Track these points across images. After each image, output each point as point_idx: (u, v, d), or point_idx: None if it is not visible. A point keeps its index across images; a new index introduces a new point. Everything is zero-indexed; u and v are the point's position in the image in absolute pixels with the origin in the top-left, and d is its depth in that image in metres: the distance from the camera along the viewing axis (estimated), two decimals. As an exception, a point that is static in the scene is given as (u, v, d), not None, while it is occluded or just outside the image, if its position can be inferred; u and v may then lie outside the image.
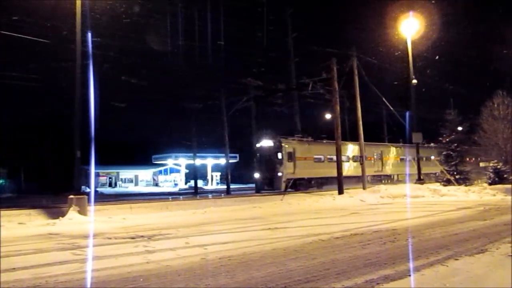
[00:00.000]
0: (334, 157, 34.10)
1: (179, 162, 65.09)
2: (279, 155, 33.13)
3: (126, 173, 69.15)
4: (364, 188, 26.85)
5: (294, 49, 45.29)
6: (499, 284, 5.76)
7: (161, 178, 70.20)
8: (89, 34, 16.92)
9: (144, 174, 70.77)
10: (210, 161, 64.74)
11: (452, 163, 28.86)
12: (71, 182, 16.43)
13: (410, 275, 6.01)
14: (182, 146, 55.61)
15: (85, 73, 16.09)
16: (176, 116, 41.50)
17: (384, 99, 29.56)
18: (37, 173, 48.55)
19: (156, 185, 67.93)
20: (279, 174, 32.50)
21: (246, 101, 37.92)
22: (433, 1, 30.83)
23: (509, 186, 23.26)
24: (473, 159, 36.90)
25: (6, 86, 31.15)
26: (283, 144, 33.34)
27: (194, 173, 47.25)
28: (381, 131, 54.09)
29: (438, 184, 28.26)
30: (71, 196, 15.24)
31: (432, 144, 41.93)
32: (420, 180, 27.53)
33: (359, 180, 34.24)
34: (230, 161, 46.50)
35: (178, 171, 67.97)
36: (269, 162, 33.35)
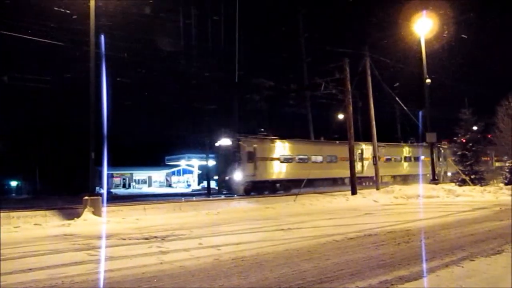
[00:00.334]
0: (307, 157, 34.09)
1: (192, 163, 65.31)
2: (237, 155, 30.29)
3: (140, 174, 69.60)
4: (377, 188, 26.68)
5: (306, 49, 45.25)
6: (516, 285, 5.68)
7: (174, 179, 70.53)
8: (102, 37, 17.06)
9: (158, 175, 71.16)
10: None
11: (467, 163, 28.56)
12: (86, 183, 16.57)
13: (424, 276, 5.96)
14: (195, 147, 55.82)
15: (98, 75, 16.24)
16: (189, 117, 41.60)
17: (397, 98, 29.37)
18: (52, 174, 49.02)
19: (169, 186, 68.25)
20: (237, 176, 29.87)
21: (259, 102, 37.95)
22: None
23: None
24: (489, 158, 36.49)
25: (21, 88, 31.57)
26: (241, 143, 30.48)
27: (207, 174, 47.37)
28: (395, 131, 53.73)
29: (453, 184, 27.98)
30: (86, 197, 15.38)
31: (424, 143, 41.53)
32: (434, 180, 27.27)
33: (339, 182, 34.18)
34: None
35: (191, 172, 68.21)
36: (227, 163, 30.75)
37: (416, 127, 30.72)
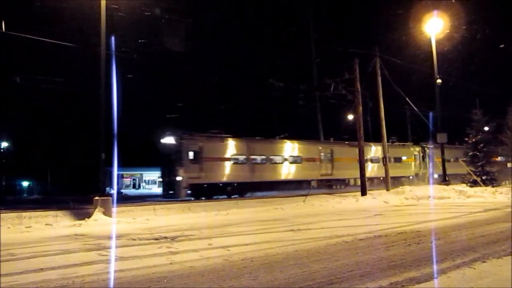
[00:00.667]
0: (266, 157, 31.19)
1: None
2: (180, 155, 27.24)
3: (150, 174, 69.74)
4: (387, 189, 26.54)
5: (316, 49, 45.21)
6: (528, 287, 5.62)
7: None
8: (113, 38, 17.17)
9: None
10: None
11: (479, 163, 28.32)
12: (96, 183, 16.68)
13: (435, 278, 5.92)
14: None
15: (108, 76, 16.35)
16: (198, 117, 41.76)
17: (407, 99, 29.18)
18: (63, 175, 49.40)
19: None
20: (179, 178, 26.60)
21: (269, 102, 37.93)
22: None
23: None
24: (500, 159, 36.15)
25: (33, 88, 31.82)
26: (184, 141, 27.40)
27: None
28: (405, 131, 53.41)
29: (464, 185, 27.77)
30: (96, 198, 15.48)
31: (407, 143, 40.56)
32: (445, 181, 27.08)
33: (304, 185, 32.00)
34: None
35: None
36: (170, 164, 27.70)
37: (426, 128, 30.52)
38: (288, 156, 32.68)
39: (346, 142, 36.25)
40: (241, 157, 30.15)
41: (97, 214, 14.91)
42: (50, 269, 6.97)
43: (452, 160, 40.35)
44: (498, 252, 7.52)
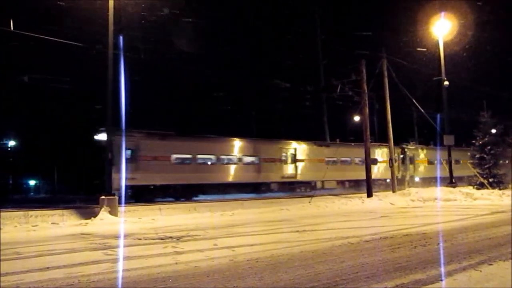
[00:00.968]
0: (215, 158, 28.49)
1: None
2: (112, 154, 23.70)
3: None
4: (393, 191, 26.47)
5: (322, 50, 45.15)
6: (535, 291, 5.58)
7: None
8: (121, 38, 17.24)
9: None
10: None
11: (486, 166, 28.18)
12: (103, 183, 16.75)
13: (442, 280, 5.89)
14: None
15: (116, 75, 16.43)
16: (204, 117, 41.81)
17: (414, 100, 29.09)
18: (70, 174, 49.57)
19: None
20: (111, 179, 23.61)
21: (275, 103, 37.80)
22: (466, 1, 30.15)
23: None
24: (508, 162, 35.92)
25: (39, 88, 32.04)
26: (117, 138, 23.88)
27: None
28: (412, 133, 53.24)
29: (471, 187, 27.64)
30: (103, 197, 15.58)
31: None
32: (452, 183, 26.96)
33: (262, 187, 30.08)
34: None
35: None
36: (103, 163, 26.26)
37: (433, 130, 30.38)
38: (243, 156, 29.94)
39: (313, 142, 34.74)
40: (186, 157, 27.66)
41: (103, 214, 14.99)
42: (56, 268, 7.00)
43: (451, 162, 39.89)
44: (504, 255, 7.47)
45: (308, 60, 44.93)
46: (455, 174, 33.82)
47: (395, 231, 10.89)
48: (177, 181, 26.31)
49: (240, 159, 29.76)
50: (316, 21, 45.29)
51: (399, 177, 36.34)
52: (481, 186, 27.26)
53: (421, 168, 40.77)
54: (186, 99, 41.73)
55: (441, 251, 8.03)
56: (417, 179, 39.25)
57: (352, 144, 35.83)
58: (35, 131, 46.89)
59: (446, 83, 27.05)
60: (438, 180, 30.96)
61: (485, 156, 28.33)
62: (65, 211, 16.54)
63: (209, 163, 28.65)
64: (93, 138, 25.35)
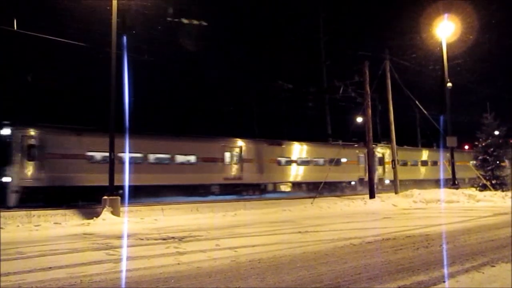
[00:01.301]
0: (143, 156, 25.27)
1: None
2: (11, 150, 21.68)
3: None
4: (396, 192, 26.43)
5: (325, 51, 45.12)
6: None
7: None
8: (124, 38, 17.29)
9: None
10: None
11: (488, 167, 28.11)
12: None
13: (444, 281, 5.88)
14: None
15: (120, 75, 16.47)
16: (205, 118, 41.82)
17: (417, 102, 29.06)
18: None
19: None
20: (7, 179, 21.22)
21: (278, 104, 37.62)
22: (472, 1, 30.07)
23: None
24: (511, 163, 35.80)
25: (44, 88, 32.12)
26: (17, 132, 21.86)
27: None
28: (414, 135, 53.23)
29: (474, 189, 27.57)
30: (105, 197, 15.59)
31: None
32: (454, 185, 26.91)
33: (200, 189, 26.89)
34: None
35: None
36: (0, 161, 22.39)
37: (436, 131, 30.31)
38: (175, 155, 26.74)
39: (264, 140, 31.78)
40: (99, 155, 23.76)
41: (106, 214, 15.02)
42: (58, 267, 7.01)
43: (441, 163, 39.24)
44: (507, 257, 7.44)
45: (311, 61, 44.91)
46: (434, 176, 33.57)
47: (398, 233, 10.88)
48: (90, 182, 22.32)
49: (172, 158, 26.65)
50: (320, 22, 45.26)
51: (366, 179, 33.36)
52: (483, 188, 27.19)
53: (392, 169, 36.37)
54: (188, 99, 41.73)
55: (445, 253, 8.01)
56: (387, 181, 36.45)
57: (314, 143, 34.34)
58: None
59: (449, 84, 27.01)
60: (442, 182, 30.86)
61: (487, 158, 28.26)
62: (67, 211, 16.61)
63: (131, 162, 24.15)
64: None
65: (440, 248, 8.57)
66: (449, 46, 26.91)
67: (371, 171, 26.24)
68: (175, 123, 37.75)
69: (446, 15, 26.12)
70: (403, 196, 24.05)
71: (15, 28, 17.95)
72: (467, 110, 38.78)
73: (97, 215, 15.14)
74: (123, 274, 6.55)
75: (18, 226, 13.27)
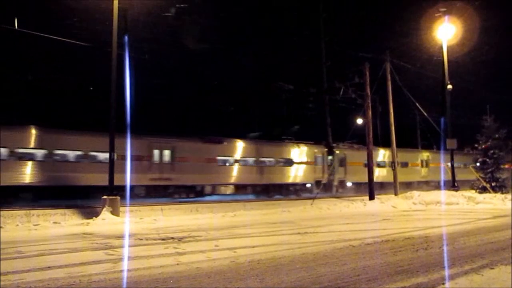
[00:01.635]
0: (47, 153, 22.92)
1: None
2: None
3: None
4: (396, 194, 26.43)
5: (326, 53, 45.11)
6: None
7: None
8: (126, 38, 17.29)
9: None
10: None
11: (488, 170, 28.10)
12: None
13: (444, 283, 5.87)
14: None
15: (121, 75, 16.49)
16: (206, 118, 41.83)
17: (417, 104, 29.06)
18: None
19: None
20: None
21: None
22: (473, 4, 30.05)
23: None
24: (511, 166, 35.79)
25: (46, 88, 32.14)
26: None
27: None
28: (414, 137, 53.17)
29: (473, 191, 27.57)
30: (105, 197, 15.58)
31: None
32: (454, 187, 26.91)
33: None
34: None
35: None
36: None
37: (437, 133, 30.30)
38: (90, 153, 24.20)
39: (199, 137, 28.87)
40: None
41: (105, 213, 15.00)
42: (57, 267, 7.00)
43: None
44: (506, 259, 7.45)
45: (311, 62, 44.91)
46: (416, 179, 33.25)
47: (397, 234, 10.87)
48: None
49: (85, 156, 24.24)
50: (320, 23, 45.25)
51: (324, 181, 32.78)
52: (483, 190, 27.19)
53: (355, 171, 35.43)
54: (188, 99, 41.75)
55: (445, 255, 8.01)
56: (349, 184, 34.98)
57: (263, 141, 31.91)
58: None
59: (450, 86, 27.03)
60: (442, 183, 30.81)
61: (487, 160, 28.24)
62: (67, 211, 16.60)
63: (41, 160, 22.78)
64: None
65: (439, 250, 8.57)
66: (450, 48, 26.92)
67: (370, 172, 26.20)
68: (175, 123, 37.74)
69: (446, 17, 26.13)
70: (402, 198, 24.05)
71: (16, 27, 17.93)
72: (468, 112, 38.73)
73: (97, 214, 15.13)
74: (125, 274, 6.55)
75: (17, 225, 13.24)
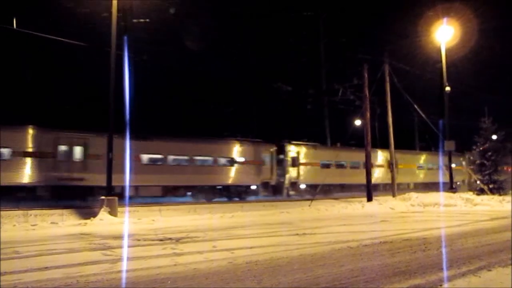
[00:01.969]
0: None
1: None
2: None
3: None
4: (394, 195, 26.45)
5: (325, 54, 45.17)
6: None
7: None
8: (125, 38, 17.27)
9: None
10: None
11: (486, 172, 28.14)
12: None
13: (442, 285, 5.88)
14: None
15: (120, 75, 16.46)
16: (205, 119, 41.80)
17: (415, 106, 29.07)
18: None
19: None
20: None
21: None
22: (470, 8, 30.09)
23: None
24: (508, 168, 35.84)
25: (46, 88, 32.13)
26: None
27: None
28: (413, 138, 53.22)
29: (471, 193, 27.61)
30: (102, 197, 15.57)
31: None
32: (452, 188, 26.95)
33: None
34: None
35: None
36: None
37: (435, 135, 30.30)
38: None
39: (122, 134, 23.65)
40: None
41: (103, 214, 14.98)
42: (55, 267, 6.99)
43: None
44: (504, 261, 7.46)
45: (310, 63, 44.95)
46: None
47: (395, 236, 10.88)
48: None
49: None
50: (319, 24, 45.31)
51: (273, 183, 30.83)
52: (481, 192, 27.23)
53: (310, 172, 32.93)
54: (188, 99, 41.74)
55: (443, 256, 8.02)
56: (303, 186, 32.23)
57: (198, 138, 28.94)
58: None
59: (448, 88, 27.07)
60: (441, 185, 30.79)
61: (485, 162, 28.29)
62: (64, 211, 16.57)
63: None
64: None
65: (437, 252, 8.58)
66: (448, 50, 26.95)
67: (368, 173, 26.19)
68: (175, 123, 37.71)
69: (445, 19, 26.16)
70: (400, 199, 24.08)
71: (15, 27, 17.90)
72: (466, 114, 38.72)
73: (95, 215, 15.10)
74: (123, 274, 6.54)
75: (14, 225, 13.22)
